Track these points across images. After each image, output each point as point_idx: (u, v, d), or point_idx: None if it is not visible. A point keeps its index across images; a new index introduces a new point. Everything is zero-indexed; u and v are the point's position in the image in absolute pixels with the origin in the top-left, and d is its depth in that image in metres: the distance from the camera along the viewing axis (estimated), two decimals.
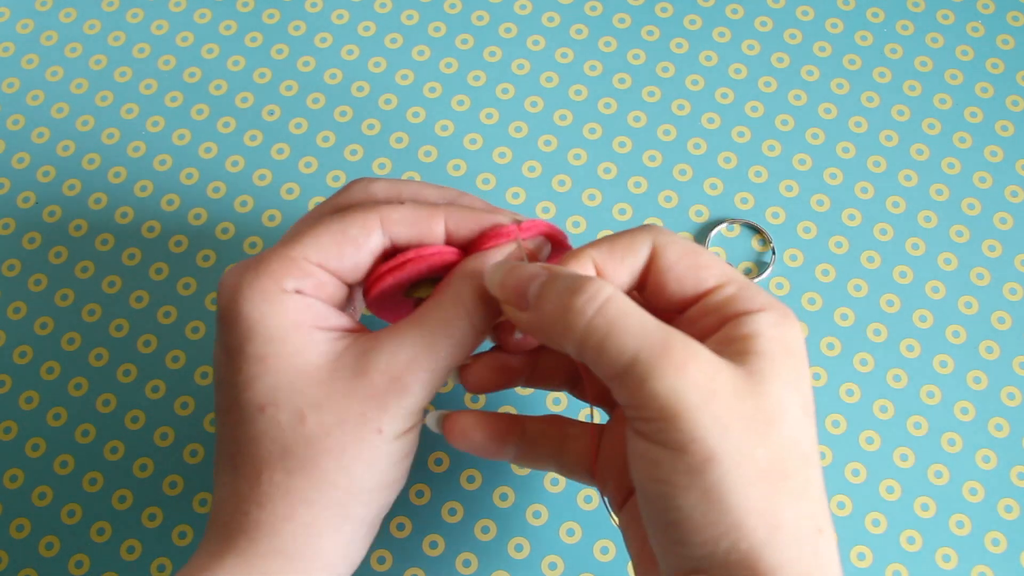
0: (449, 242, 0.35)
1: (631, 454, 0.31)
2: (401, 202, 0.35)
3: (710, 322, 0.32)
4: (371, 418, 0.33)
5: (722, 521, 0.29)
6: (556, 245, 0.36)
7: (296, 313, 0.33)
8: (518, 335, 0.35)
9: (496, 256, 0.34)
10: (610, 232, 0.46)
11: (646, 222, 0.46)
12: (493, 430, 0.36)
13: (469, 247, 0.35)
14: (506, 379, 0.36)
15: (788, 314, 0.32)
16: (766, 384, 0.30)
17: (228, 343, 0.33)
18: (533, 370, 0.37)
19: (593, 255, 0.33)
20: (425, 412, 0.36)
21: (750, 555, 0.29)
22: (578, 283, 0.31)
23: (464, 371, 0.36)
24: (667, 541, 0.30)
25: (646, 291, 0.34)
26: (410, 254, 0.34)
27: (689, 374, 0.29)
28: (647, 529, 0.32)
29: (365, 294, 0.35)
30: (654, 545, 0.31)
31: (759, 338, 0.31)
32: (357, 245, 0.34)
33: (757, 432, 0.30)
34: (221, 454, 0.34)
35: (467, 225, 0.35)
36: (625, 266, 0.33)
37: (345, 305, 0.36)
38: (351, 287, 0.35)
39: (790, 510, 0.30)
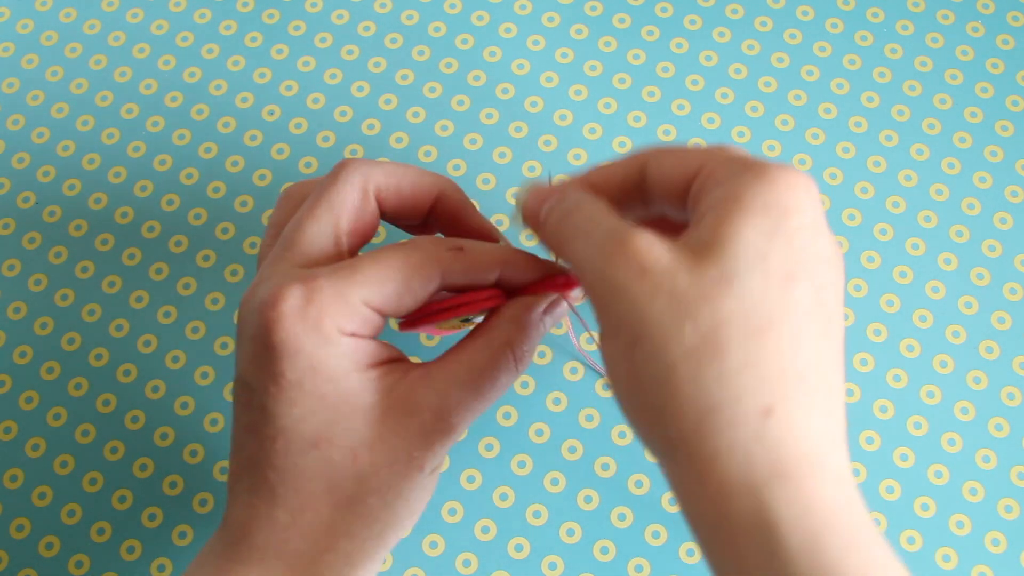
0: (497, 286, 0.36)
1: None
2: (460, 247, 0.35)
3: (696, 206, 0.30)
4: (417, 457, 0.34)
5: (649, 407, 0.28)
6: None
7: (354, 355, 0.33)
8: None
9: (540, 303, 0.36)
10: None
11: None
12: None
13: (516, 288, 0.36)
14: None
15: (776, 172, 0.29)
16: (713, 252, 0.28)
17: (281, 373, 0.33)
18: None
19: (591, 176, 0.34)
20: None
21: (685, 442, 0.27)
22: (566, 198, 0.33)
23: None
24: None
25: (652, 201, 0.33)
26: (464, 299, 0.35)
27: (618, 259, 0.29)
28: None
29: (406, 321, 0.36)
30: None
31: (715, 202, 0.29)
32: (415, 297, 0.34)
33: (684, 308, 0.28)
34: (254, 476, 0.34)
35: (523, 275, 0.36)
36: (616, 177, 0.34)
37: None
38: None
39: (723, 391, 0.27)
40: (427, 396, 0.34)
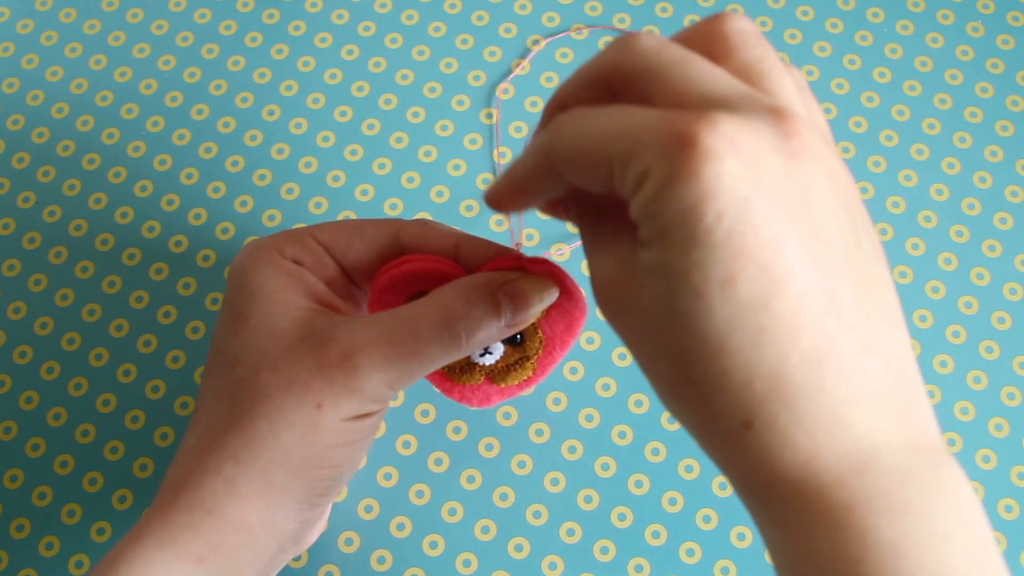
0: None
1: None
2: (424, 222, 0.36)
3: None
4: (314, 389, 0.32)
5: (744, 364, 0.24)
6: (562, 287, 0.35)
7: (286, 278, 0.34)
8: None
9: (490, 278, 0.34)
10: None
11: None
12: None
13: (473, 270, 0.35)
14: (523, 202, 0.31)
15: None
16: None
17: (225, 297, 0.35)
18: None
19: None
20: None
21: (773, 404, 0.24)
22: None
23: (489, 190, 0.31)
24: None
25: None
26: (412, 256, 0.35)
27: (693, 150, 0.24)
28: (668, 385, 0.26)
29: (373, 290, 0.36)
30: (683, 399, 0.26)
31: None
32: (366, 241, 0.35)
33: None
34: (196, 410, 0.35)
35: (476, 251, 0.35)
36: None
37: (345, 296, 0.36)
38: (354, 284, 0.36)
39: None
40: (340, 333, 0.33)
